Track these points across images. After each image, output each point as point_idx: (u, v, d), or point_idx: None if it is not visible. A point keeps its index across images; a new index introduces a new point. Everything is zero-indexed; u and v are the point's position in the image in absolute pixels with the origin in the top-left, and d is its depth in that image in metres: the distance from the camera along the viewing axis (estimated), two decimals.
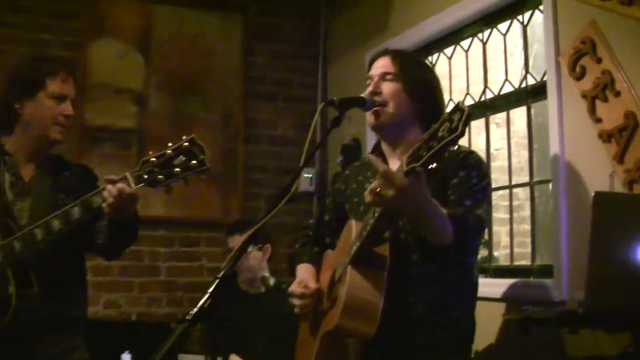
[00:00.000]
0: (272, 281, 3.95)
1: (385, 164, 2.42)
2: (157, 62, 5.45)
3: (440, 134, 2.00)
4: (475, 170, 2.58)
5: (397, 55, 2.77)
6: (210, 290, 2.16)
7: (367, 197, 2.23)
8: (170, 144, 2.66)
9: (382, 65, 2.75)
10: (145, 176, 2.64)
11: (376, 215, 2.35)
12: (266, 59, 5.85)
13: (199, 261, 5.45)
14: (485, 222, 2.53)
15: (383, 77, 2.72)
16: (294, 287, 2.78)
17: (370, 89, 2.71)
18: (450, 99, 4.63)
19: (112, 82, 5.33)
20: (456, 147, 2.63)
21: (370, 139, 5.03)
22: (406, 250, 2.56)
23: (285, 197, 2.35)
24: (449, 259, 2.55)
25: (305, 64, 5.95)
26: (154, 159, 2.65)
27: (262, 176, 5.72)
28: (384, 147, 2.79)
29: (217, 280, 2.19)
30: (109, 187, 2.64)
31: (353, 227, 2.61)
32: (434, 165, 2.04)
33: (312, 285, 2.75)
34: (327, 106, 2.63)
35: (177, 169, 2.62)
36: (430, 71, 2.88)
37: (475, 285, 2.73)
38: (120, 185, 2.62)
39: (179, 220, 5.33)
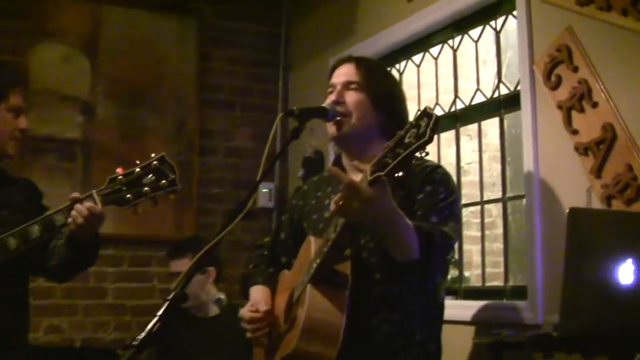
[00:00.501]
0: (225, 303, 3.93)
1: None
2: (105, 67, 5.40)
3: (406, 140, 2.01)
4: (441, 185, 2.59)
5: (361, 63, 2.77)
6: (159, 313, 2.14)
7: (332, 208, 2.23)
8: (138, 162, 2.73)
9: (346, 73, 2.75)
10: (113, 195, 2.71)
11: (338, 228, 2.35)
12: (223, 66, 5.83)
13: (150, 282, 5.40)
14: (452, 239, 2.53)
15: (346, 85, 2.72)
16: (244, 311, 2.77)
17: (332, 97, 2.71)
18: (419, 110, 4.62)
19: (56, 88, 5.27)
20: (422, 161, 2.65)
21: (333, 152, 5.02)
22: (368, 269, 2.56)
23: (241, 213, 2.34)
24: (414, 278, 2.56)
25: (265, 71, 5.94)
26: (121, 177, 2.72)
27: (217, 190, 5.69)
28: (345, 160, 2.79)
29: (166, 303, 2.18)
30: (79, 206, 2.69)
31: (312, 244, 2.60)
32: (400, 174, 2.05)
33: (263, 308, 2.74)
34: (287, 116, 2.62)
35: (147, 188, 2.70)
36: (395, 82, 2.89)
37: (441, 307, 2.73)
38: (89, 204, 2.68)
39: (129, 238, 5.27)
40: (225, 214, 5.58)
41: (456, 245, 4.09)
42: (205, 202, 5.60)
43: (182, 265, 4.24)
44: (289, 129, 5.53)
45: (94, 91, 5.37)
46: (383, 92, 2.71)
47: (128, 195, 2.70)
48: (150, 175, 2.71)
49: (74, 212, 2.70)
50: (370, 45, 4.86)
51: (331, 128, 2.70)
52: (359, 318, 2.50)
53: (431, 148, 5.12)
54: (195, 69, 5.68)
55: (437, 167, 2.68)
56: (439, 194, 2.57)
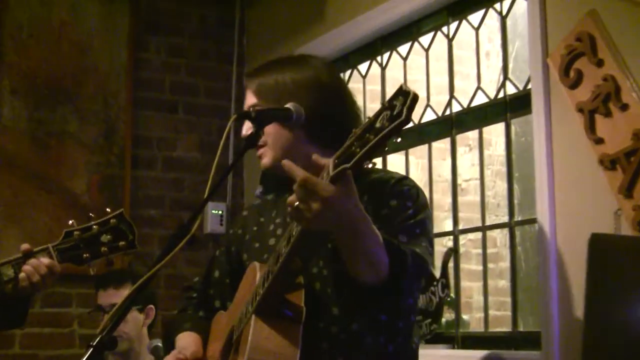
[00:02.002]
0: (161, 348, 3.89)
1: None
2: (12, 58, 5.34)
3: (378, 125, 2.02)
4: (409, 199, 2.61)
5: (253, 81, 2.79)
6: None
7: (288, 211, 2.24)
8: (92, 215, 3.05)
9: (248, 97, 2.80)
10: (71, 252, 3.00)
11: (293, 239, 2.33)
12: (162, 57, 5.81)
13: (69, 327, 5.34)
14: (426, 262, 2.52)
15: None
16: (169, 359, 2.77)
17: (243, 131, 2.78)
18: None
19: None
20: (384, 172, 2.72)
21: None
22: (325, 303, 2.56)
23: (183, 239, 2.32)
24: (379, 313, 2.56)
25: (215, 64, 5.93)
26: (78, 232, 3.01)
27: (154, 212, 5.64)
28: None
29: (90, 350, 2.18)
30: (35, 262, 2.96)
31: (257, 271, 2.60)
32: (370, 164, 2.09)
33: (193, 355, 2.75)
34: (242, 120, 2.63)
35: (104, 249, 3.03)
36: (295, 81, 2.79)
37: (414, 353, 2.72)
38: (48, 261, 2.97)
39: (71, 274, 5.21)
40: (164, 241, 5.53)
41: (452, 282, 4.10)
42: (139, 227, 5.48)
43: (117, 295, 4.20)
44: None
45: None
46: (282, 102, 2.70)
47: (85, 255, 3.00)
48: (109, 234, 3.05)
49: (28, 268, 2.95)
50: (345, 33, 4.87)
51: (260, 160, 2.79)
52: None
53: (420, 161, 5.13)
54: (127, 60, 5.64)
55: (404, 179, 2.70)
56: (407, 209, 2.58)
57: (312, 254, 2.57)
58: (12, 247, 2.96)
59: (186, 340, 2.84)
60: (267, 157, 2.72)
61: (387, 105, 2.02)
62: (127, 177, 5.55)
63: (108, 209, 3.09)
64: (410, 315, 2.67)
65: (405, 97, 1.98)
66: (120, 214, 3.08)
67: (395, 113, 1.98)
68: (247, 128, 2.75)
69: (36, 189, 5.28)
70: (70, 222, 3.02)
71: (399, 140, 2.03)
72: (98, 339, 2.20)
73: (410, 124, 4.54)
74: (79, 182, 5.39)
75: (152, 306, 4.38)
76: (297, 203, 2.18)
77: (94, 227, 3.03)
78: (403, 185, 2.64)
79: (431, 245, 2.60)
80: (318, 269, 2.59)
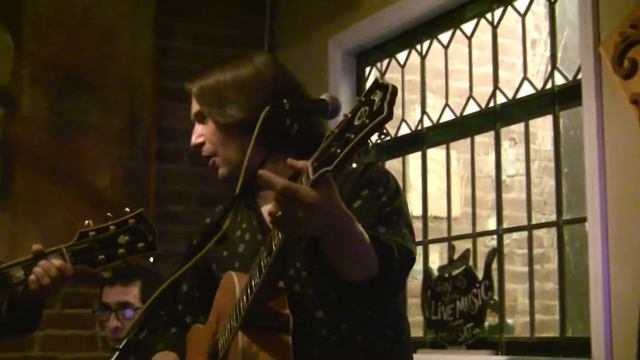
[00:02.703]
0: None
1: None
2: (31, 46, 5.37)
3: (357, 122, 2.00)
4: (380, 186, 2.59)
5: (197, 85, 2.78)
6: None
7: (269, 221, 2.24)
8: (109, 215, 2.97)
9: (193, 104, 2.79)
10: (85, 254, 2.94)
11: (276, 248, 2.33)
12: (188, 45, 5.82)
13: (92, 328, 5.35)
14: (412, 253, 2.53)
15: (198, 120, 2.79)
16: None
17: (192, 139, 2.80)
18: (447, 104, 4.62)
19: None
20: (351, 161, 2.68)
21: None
22: (308, 306, 2.56)
23: (213, 237, 2.38)
24: (366, 308, 2.56)
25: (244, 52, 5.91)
26: (94, 233, 2.94)
27: (180, 208, 5.66)
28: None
29: (116, 354, 2.27)
30: (46, 263, 2.89)
31: (235, 281, 2.58)
32: (354, 165, 2.11)
33: None
34: (274, 112, 2.57)
35: (122, 250, 2.96)
36: (248, 69, 2.75)
37: (406, 345, 2.75)
38: (59, 263, 2.90)
39: (79, 275, 5.22)
40: (189, 238, 5.52)
41: (495, 284, 4.09)
42: (163, 223, 5.54)
43: (125, 293, 4.17)
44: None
45: (17, 77, 5.33)
46: (221, 105, 2.70)
47: (101, 256, 2.94)
48: (126, 235, 2.97)
49: (39, 270, 2.88)
50: (382, 20, 4.85)
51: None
52: None
53: (461, 156, 5.12)
54: (152, 48, 5.65)
55: (370, 165, 2.68)
56: (380, 197, 2.57)
57: (289, 258, 2.56)
58: (30, 245, 2.93)
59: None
60: (222, 167, 2.73)
61: (364, 101, 2.01)
62: (151, 170, 5.57)
63: (127, 209, 3.02)
64: (396, 307, 2.70)
65: (383, 92, 1.97)
66: (140, 213, 3.02)
67: (375, 109, 1.97)
68: (197, 134, 2.75)
69: (56, 183, 5.31)
70: (87, 222, 2.97)
71: (385, 138, 2.02)
72: (125, 342, 2.23)
73: (452, 116, 4.56)
74: (101, 176, 5.41)
75: None
76: (279, 213, 2.17)
77: (111, 227, 2.97)
78: (371, 173, 2.62)
79: (411, 230, 2.60)
80: (295, 270, 2.58)
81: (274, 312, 2.48)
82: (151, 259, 3.05)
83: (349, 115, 2.03)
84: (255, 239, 2.68)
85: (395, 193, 2.60)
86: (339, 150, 2.02)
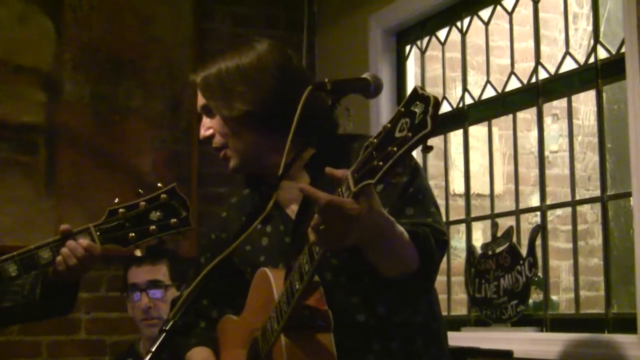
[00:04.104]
0: None
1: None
2: (73, 31, 5.39)
3: (398, 134, 1.97)
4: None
5: (201, 76, 2.75)
6: (153, 349, 2.20)
7: (312, 237, 2.23)
8: (141, 191, 2.86)
9: (199, 96, 2.78)
10: (114, 232, 2.84)
11: (317, 256, 2.31)
12: (228, 26, 5.82)
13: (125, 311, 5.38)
14: (444, 234, 2.53)
15: (205, 113, 2.77)
16: None
17: (200, 132, 2.79)
18: (488, 81, 4.60)
19: (10, 57, 5.27)
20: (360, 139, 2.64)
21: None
22: (342, 293, 2.57)
23: (259, 218, 2.37)
24: (407, 293, 2.55)
25: (284, 33, 5.92)
26: (123, 210, 2.84)
27: (223, 190, 5.66)
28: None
29: (162, 335, 2.24)
30: (72, 243, 2.81)
31: (271, 279, 2.58)
32: (397, 178, 2.05)
33: None
34: (315, 91, 2.54)
35: (153, 227, 2.84)
36: (250, 57, 2.73)
37: (439, 316, 2.75)
38: (86, 243, 2.82)
39: (107, 255, 5.20)
40: None
41: (539, 261, 4.06)
42: (207, 204, 5.56)
43: (154, 272, 4.15)
44: None
45: (59, 61, 5.37)
46: (232, 99, 2.67)
47: (131, 234, 2.83)
48: (158, 211, 2.85)
49: (65, 250, 2.81)
50: None
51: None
52: (350, 356, 2.51)
53: (504, 132, 5.09)
54: (192, 31, 5.67)
55: None
56: (401, 176, 2.55)
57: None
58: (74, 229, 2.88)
59: (199, 356, 2.86)
60: (233, 159, 2.73)
61: (404, 111, 1.97)
62: (194, 153, 5.58)
63: (159, 184, 2.89)
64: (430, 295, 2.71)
65: (425, 104, 1.93)
66: (173, 188, 2.88)
67: (417, 122, 1.93)
68: (205, 127, 2.74)
69: (99, 167, 5.34)
70: (116, 200, 2.87)
71: (429, 151, 1.99)
72: (171, 323, 2.26)
73: (494, 93, 4.53)
74: (144, 159, 5.44)
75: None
76: (322, 226, 2.17)
77: (142, 204, 2.85)
78: None
79: (437, 206, 2.60)
80: (325, 258, 2.52)
81: (313, 310, 2.48)
82: None
83: (389, 125, 2.00)
84: (278, 230, 2.69)
85: (415, 170, 2.59)
86: (381, 163, 2.00)
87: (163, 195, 2.84)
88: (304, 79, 2.68)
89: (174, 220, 2.84)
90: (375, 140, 2.03)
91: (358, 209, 2.12)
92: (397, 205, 2.49)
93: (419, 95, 1.95)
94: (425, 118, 1.91)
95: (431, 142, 1.93)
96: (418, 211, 2.52)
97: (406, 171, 2.55)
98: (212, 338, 2.89)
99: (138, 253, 2.91)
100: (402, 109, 1.98)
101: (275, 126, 2.62)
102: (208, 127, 2.74)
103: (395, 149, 1.97)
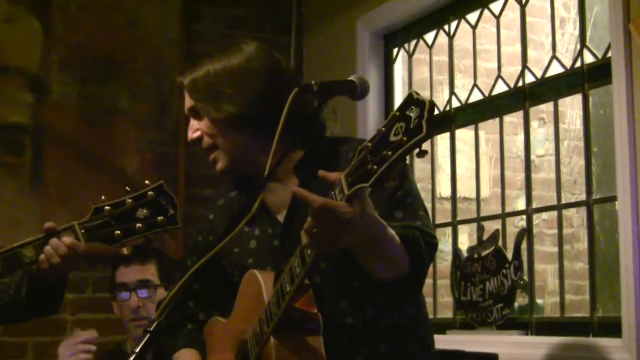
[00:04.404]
0: None
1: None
2: (60, 32, 5.38)
3: (392, 138, 1.97)
4: None
5: (188, 78, 2.77)
6: (137, 350, 2.20)
7: (304, 240, 2.23)
8: (128, 189, 2.80)
9: (186, 98, 2.79)
10: (99, 230, 2.78)
11: (309, 259, 2.32)
12: (217, 29, 5.81)
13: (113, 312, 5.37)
14: (434, 237, 2.55)
15: (193, 115, 2.78)
16: None
17: (188, 134, 2.80)
18: (475, 84, 4.60)
19: None
20: (350, 142, 2.67)
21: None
22: (330, 297, 2.58)
23: (244, 219, 2.37)
24: (396, 296, 2.58)
25: (272, 35, 5.91)
26: (109, 208, 2.79)
27: (210, 191, 5.65)
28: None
29: (146, 336, 2.23)
30: (56, 241, 2.77)
31: (260, 281, 2.59)
32: (390, 182, 2.08)
33: None
34: (302, 93, 2.57)
35: (139, 225, 2.78)
36: (238, 58, 2.76)
37: (426, 319, 2.78)
38: (70, 241, 2.76)
39: (93, 254, 5.22)
40: None
41: (525, 264, 4.07)
42: (194, 207, 5.55)
43: (143, 272, 4.13)
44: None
45: (46, 62, 5.35)
46: (218, 100, 2.69)
47: (117, 232, 2.77)
48: (144, 209, 2.79)
49: (48, 249, 2.77)
50: (409, 1, 4.85)
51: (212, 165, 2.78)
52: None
53: (490, 136, 5.09)
54: (180, 33, 5.66)
55: None
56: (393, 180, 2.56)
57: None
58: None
59: (186, 358, 2.87)
60: (221, 161, 2.74)
61: (399, 115, 1.98)
62: (181, 155, 5.57)
63: (147, 181, 2.84)
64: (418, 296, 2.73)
65: (420, 109, 1.93)
66: (160, 185, 2.82)
67: (412, 127, 1.93)
68: (193, 129, 2.75)
69: (86, 168, 5.32)
70: (102, 197, 2.81)
71: (424, 155, 1.98)
72: (155, 324, 2.25)
73: (480, 96, 4.54)
74: (131, 161, 5.43)
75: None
76: (315, 229, 2.17)
77: (128, 201, 2.79)
78: None
79: (425, 209, 2.62)
80: (315, 261, 2.54)
81: (303, 313, 2.49)
82: None
83: (383, 129, 2.01)
84: (266, 233, 2.70)
85: (404, 174, 2.60)
86: (375, 167, 2.01)
87: (150, 193, 2.79)
88: (292, 81, 2.68)
89: (161, 218, 2.79)
90: (369, 144, 2.04)
91: (351, 212, 2.13)
92: (386, 208, 2.50)
93: (414, 99, 1.95)
94: (421, 122, 1.92)
95: None
96: (407, 214, 2.53)
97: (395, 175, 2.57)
98: (199, 340, 2.90)
99: (125, 251, 2.84)
100: (397, 113, 1.98)
101: (263, 128, 2.62)
102: (196, 129, 2.75)
103: (389, 153, 1.97)
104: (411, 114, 1.94)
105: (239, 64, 2.69)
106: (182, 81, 2.76)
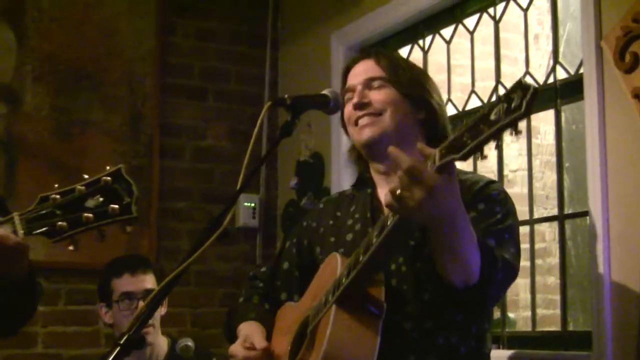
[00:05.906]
0: (192, 348, 3.86)
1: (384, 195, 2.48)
2: (34, 42, 5.36)
3: (493, 116, 2.02)
4: (498, 204, 2.66)
5: (381, 55, 2.88)
6: None
7: (387, 199, 2.27)
8: (86, 176, 2.50)
9: (365, 70, 2.85)
10: (42, 221, 2.46)
11: (390, 226, 2.36)
12: (191, 41, 5.82)
13: (94, 324, 5.35)
14: (515, 269, 2.58)
15: (368, 84, 2.82)
16: (236, 348, 2.79)
17: (354, 99, 2.80)
18: (449, 99, 4.63)
19: None
20: (470, 174, 2.79)
21: (337, 155, 5.00)
22: (400, 300, 2.62)
23: (214, 233, 2.34)
24: (455, 317, 2.61)
25: (247, 48, 5.93)
26: (57, 196, 2.48)
27: (184, 204, 5.66)
28: (375, 174, 2.88)
29: (117, 349, 2.18)
30: None
31: (338, 263, 2.65)
32: (482, 156, 2.07)
33: (261, 344, 2.77)
34: (276, 107, 2.64)
35: (89, 215, 2.45)
36: (423, 73, 3.02)
37: (487, 358, 2.78)
38: (2, 232, 2.45)
39: (65, 267, 5.23)
40: (193, 234, 5.56)
41: None
42: (167, 220, 5.56)
43: (148, 281, 4.10)
44: (279, 124, 5.51)
45: (20, 73, 5.33)
46: (415, 84, 2.83)
47: (61, 223, 2.44)
48: (98, 197, 2.46)
49: None
50: (384, 16, 4.85)
51: (360, 132, 2.79)
52: (391, 356, 2.55)
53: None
54: (155, 45, 5.66)
55: (491, 182, 2.76)
56: (496, 214, 2.63)
57: (396, 250, 2.64)
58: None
59: (250, 329, 2.88)
60: (377, 126, 2.77)
61: (504, 99, 2.02)
62: (154, 167, 5.57)
63: (108, 167, 2.51)
64: (484, 322, 2.75)
65: (524, 91, 1.98)
66: (118, 170, 2.49)
67: (512, 107, 1.98)
68: (361, 96, 2.82)
69: (59, 180, 5.19)
70: (56, 185, 2.51)
71: (519, 136, 2.02)
72: (126, 337, 2.20)
73: (454, 111, 4.57)
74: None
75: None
76: (399, 190, 2.21)
77: (79, 188, 2.45)
78: (491, 189, 2.70)
79: (518, 252, 2.65)
80: (396, 265, 2.66)
81: (370, 296, 2.54)
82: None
83: (486, 110, 2.05)
84: (366, 230, 2.73)
85: (510, 213, 2.67)
86: (469, 141, 2.05)
87: (105, 178, 2.47)
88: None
89: (113, 207, 2.45)
90: (470, 122, 2.08)
91: (437, 180, 2.17)
92: (481, 234, 2.51)
93: (520, 84, 2.00)
94: (522, 102, 1.96)
95: None
96: (498, 246, 2.55)
97: (502, 210, 2.63)
98: (269, 320, 2.95)
99: (71, 248, 2.35)
100: (502, 97, 2.03)
101: (429, 129, 2.80)
102: (366, 96, 2.80)
103: (486, 128, 2.02)
104: (514, 96, 1.99)
105: (429, 79, 2.96)
106: (372, 54, 2.89)
